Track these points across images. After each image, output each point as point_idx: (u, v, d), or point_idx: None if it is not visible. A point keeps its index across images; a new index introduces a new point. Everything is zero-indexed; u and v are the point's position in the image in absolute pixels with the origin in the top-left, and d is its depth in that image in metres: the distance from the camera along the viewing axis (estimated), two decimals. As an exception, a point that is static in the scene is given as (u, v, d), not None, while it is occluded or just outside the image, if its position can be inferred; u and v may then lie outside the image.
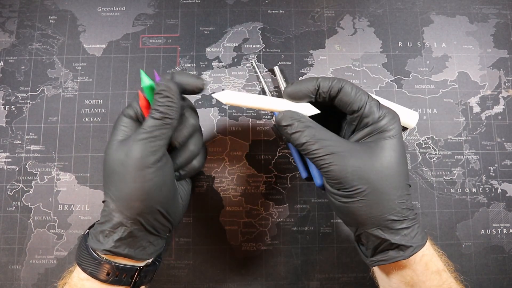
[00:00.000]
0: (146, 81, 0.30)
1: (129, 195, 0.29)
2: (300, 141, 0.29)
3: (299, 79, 0.44)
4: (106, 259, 0.30)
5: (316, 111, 0.32)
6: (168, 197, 0.31)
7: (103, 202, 0.31)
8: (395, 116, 0.30)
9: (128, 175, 0.29)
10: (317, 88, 0.31)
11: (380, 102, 0.31)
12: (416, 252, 0.28)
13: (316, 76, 0.32)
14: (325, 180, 0.31)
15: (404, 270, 0.29)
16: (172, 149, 0.33)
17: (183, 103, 0.32)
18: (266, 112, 0.44)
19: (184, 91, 0.32)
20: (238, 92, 0.32)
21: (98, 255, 0.30)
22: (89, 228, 0.32)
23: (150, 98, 0.31)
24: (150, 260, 0.33)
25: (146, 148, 0.29)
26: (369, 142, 0.29)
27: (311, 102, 0.32)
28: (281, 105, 0.32)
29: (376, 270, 0.33)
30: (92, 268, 0.29)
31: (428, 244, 0.30)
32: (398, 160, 0.29)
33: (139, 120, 0.32)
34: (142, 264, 0.32)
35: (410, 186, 0.31)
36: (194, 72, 0.44)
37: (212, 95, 0.32)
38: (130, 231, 0.30)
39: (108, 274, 0.29)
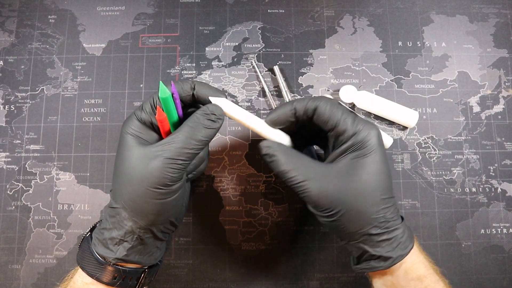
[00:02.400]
0: (165, 92, 0.28)
1: (146, 209, 0.28)
2: (277, 169, 0.30)
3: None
4: (113, 264, 0.29)
5: (286, 142, 0.32)
6: (181, 209, 0.32)
7: (112, 208, 0.30)
8: (371, 131, 0.29)
9: (147, 191, 0.28)
10: (294, 111, 0.31)
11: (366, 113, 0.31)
12: (396, 263, 0.29)
13: (293, 100, 0.32)
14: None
15: (385, 276, 0.31)
16: None
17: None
18: (265, 111, 0.44)
19: (204, 101, 0.31)
20: (233, 104, 0.32)
21: (104, 259, 0.29)
22: (91, 231, 0.32)
23: (169, 111, 0.30)
24: None
25: (172, 167, 0.28)
26: (345, 160, 0.30)
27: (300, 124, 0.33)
28: (262, 128, 0.32)
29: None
30: (98, 273, 0.29)
31: (412, 251, 0.30)
32: (374, 176, 0.29)
33: (152, 126, 0.31)
34: (146, 266, 0.32)
35: (393, 197, 0.30)
36: (194, 72, 0.44)
37: (210, 98, 0.31)
38: (141, 239, 0.30)
39: (114, 278, 0.29)
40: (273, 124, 0.32)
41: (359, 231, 0.29)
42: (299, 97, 0.44)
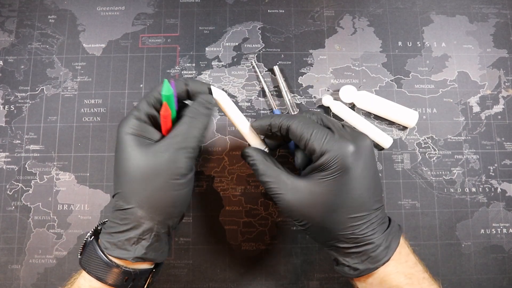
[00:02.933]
0: (169, 90, 0.30)
1: (165, 202, 0.29)
2: (257, 177, 0.33)
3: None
4: (125, 267, 0.29)
5: (262, 148, 0.35)
6: (189, 200, 0.33)
7: (123, 210, 0.29)
8: (341, 152, 0.29)
9: (165, 184, 0.29)
10: (269, 127, 0.33)
11: (336, 130, 0.31)
12: (364, 275, 0.30)
13: (272, 115, 0.34)
14: None
15: (360, 282, 0.31)
16: None
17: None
18: (265, 111, 0.44)
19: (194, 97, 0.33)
20: (229, 99, 0.35)
21: (115, 263, 0.29)
22: (94, 235, 0.32)
23: (173, 113, 0.31)
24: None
25: (183, 156, 0.29)
26: (315, 178, 0.30)
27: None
28: (245, 130, 0.35)
29: None
30: (108, 277, 0.29)
31: (391, 261, 0.30)
32: (340, 198, 0.29)
33: (152, 124, 0.32)
34: (152, 266, 0.32)
35: (366, 214, 0.30)
36: (194, 72, 0.44)
37: (212, 88, 0.33)
38: (158, 236, 0.30)
39: (125, 280, 0.29)
40: (256, 131, 0.34)
41: (327, 242, 0.31)
42: (299, 97, 0.44)
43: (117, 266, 0.29)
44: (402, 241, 0.31)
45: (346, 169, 0.29)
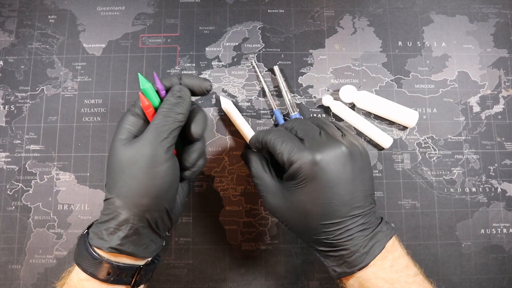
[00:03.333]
0: (145, 84, 0.31)
1: (140, 192, 0.29)
2: (251, 175, 0.35)
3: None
4: (107, 259, 0.30)
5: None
6: (174, 196, 0.32)
7: (106, 200, 0.31)
8: (303, 163, 0.30)
9: (139, 172, 0.29)
10: (256, 143, 0.35)
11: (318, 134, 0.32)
12: (342, 277, 0.31)
13: (258, 131, 0.37)
14: None
15: (341, 282, 0.32)
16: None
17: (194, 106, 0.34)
18: (265, 111, 0.44)
19: (193, 93, 0.33)
20: (236, 110, 0.42)
21: (99, 254, 0.30)
22: (88, 228, 0.32)
23: (151, 100, 0.31)
24: (149, 259, 0.33)
25: (158, 145, 0.29)
26: (289, 185, 0.32)
27: None
28: (247, 135, 0.41)
29: None
30: (92, 268, 0.29)
31: (370, 267, 0.30)
32: (308, 205, 0.30)
33: (144, 120, 0.33)
34: (142, 263, 0.32)
35: (339, 221, 0.30)
36: (194, 72, 0.44)
37: (220, 96, 0.38)
38: (135, 229, 0.30)
39: (108, 274, 0.29)
40: (252, 147, 0.36)
41: (308, 243, 0.33)
42: (299, 97, 0.44)
43: (100, 257, 0.30)
44: (391, 244, 0.31)
45: (311, 178, 0.30)
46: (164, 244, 0.35)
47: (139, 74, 0.32)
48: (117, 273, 0.30)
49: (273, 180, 0.34)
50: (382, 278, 0.30)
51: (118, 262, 0.30)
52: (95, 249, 0.30)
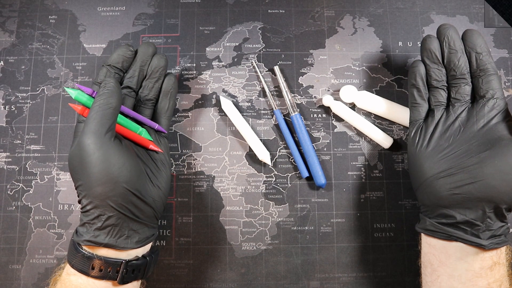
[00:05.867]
0: (72, 93, 0.34)
1: (92, 181, 0.30)
2: None
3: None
4: (89, 253, 0.30)
5: (266, 157, 0.42)
6: (133, 175, 0.31)
7: (79, 202, 0.32)
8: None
9: (86, 164, 0.30)
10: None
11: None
12: (502, 247, 0.32)
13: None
14: None
15: (485, 255, 0.32)
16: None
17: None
18: (266, 111, 0.44)
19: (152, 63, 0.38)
20: (236, 110, 0.42)
21: (82, 248, 0.30)
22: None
23: (84, 103, 0.34)
24: (139, 255, 0.33)
25: (94, 133, 0.30)
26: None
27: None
28: (250, 140, 0.42)
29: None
30: (78, 263, 0.30)
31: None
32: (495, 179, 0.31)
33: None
34: (130, 257, 0.32)
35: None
36: (194, 72, 0.44)
37: (220, 96, 0.40)
38: (107, 219, 0.30)
39: (93, 268, 0.30)
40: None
41: (427, 204, 0.35)
42: (299, 97, 0.44)
43: (82, 251, 0.30)
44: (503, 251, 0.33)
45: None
46: (156, 234, 0.35)
47: (65, 87, 0.35)
48: (101, 267, 0.30)
49: None
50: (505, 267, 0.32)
51: (100, 256, 0.30)
52: (79, 244, 0.31)
